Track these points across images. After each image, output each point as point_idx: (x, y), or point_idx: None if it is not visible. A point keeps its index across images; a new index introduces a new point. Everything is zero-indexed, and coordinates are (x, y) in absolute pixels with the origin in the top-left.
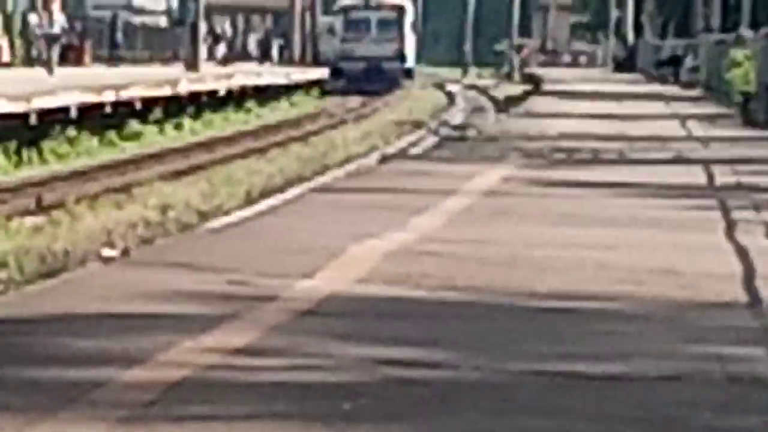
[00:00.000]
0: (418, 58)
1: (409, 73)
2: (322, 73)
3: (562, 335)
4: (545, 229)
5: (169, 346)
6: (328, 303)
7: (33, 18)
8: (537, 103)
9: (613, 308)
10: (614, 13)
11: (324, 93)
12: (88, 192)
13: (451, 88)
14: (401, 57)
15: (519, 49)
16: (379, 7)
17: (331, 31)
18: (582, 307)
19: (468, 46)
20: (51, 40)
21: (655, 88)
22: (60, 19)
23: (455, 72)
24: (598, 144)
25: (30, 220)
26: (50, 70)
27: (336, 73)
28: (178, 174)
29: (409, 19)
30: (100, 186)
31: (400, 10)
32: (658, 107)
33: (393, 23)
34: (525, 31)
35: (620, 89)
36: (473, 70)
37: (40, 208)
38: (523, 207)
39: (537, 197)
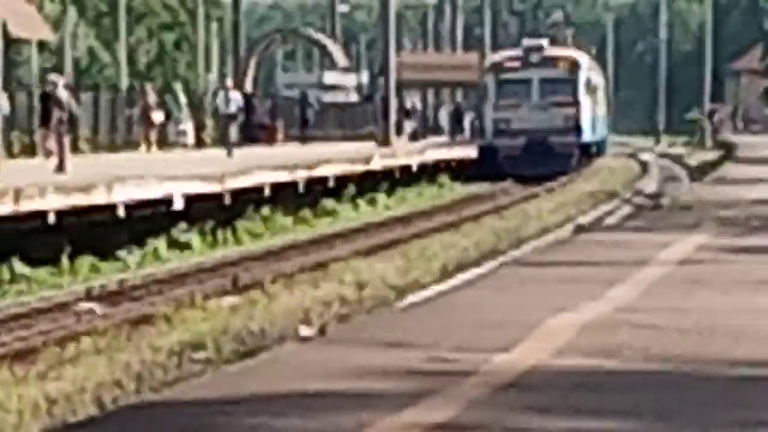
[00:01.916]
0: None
1: (586, 150)
2: None
3: (761, 404)
4: (742, 297)
5: (370, 424)
6: (527, 376)
7: (218, 98)
8: (730, 170)
9: None
10: None
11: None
12: (283, 271)
13: (644, 156)
14: (576, 129)
15: (711, 115)
16: (543, 63)
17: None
18: None
19: (660, 115)
20: (228, 119)
21: None
22: (236, 98)
23: (648, 141)
24: None
25: (227, 300)
26: (229, 152)
27: (487, 152)
28: (373, 250)
29: (584, 76)
30: (296, 264)
31: (573, 66)
32: None
33: (563, 84)
34: (717, 97)
35: None
36: (665, 139)
37: (237, 288)
38: (720, 275)
39: (733, 265)
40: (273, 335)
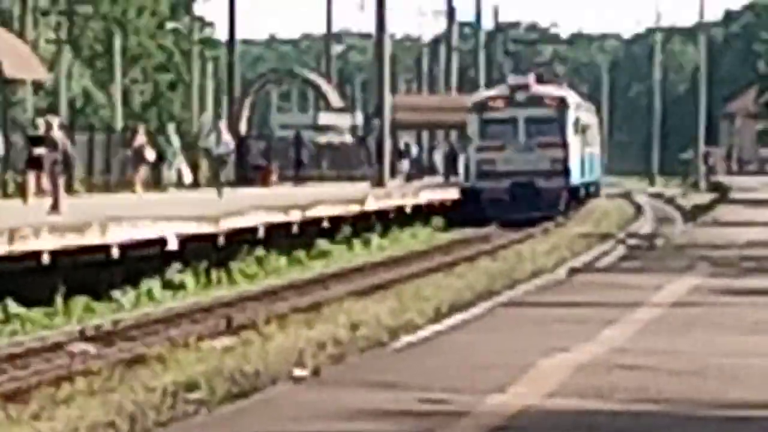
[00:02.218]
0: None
1: (575, 193)
2: None
3: None
4: (736, 338)
5: None
6: (520, 418)
7: (209, 139)
8: (724, 211)
9: None
10: None
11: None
12: (277, 311)
13: (638, 198)
14: (564, 171)
15: (706, 157)
16: (529, 102)
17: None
18: None
19: (655, 156)
20: (219, 160)
21: None
22: (226, 140)
23: (642, 183)
24: None
25: (220, 341)
26: (219, 192)
27: (470, 195)
28: (368, 291)
29: (572, 116)
30: (290, 305)
31: (560, 104)
32: None
33: (550, 124)
34: (711, 139)
35: None
36: (660, 180)
37: (231, 329)
38: (713, 317)
39: (727, 306)
40: (267, 376)
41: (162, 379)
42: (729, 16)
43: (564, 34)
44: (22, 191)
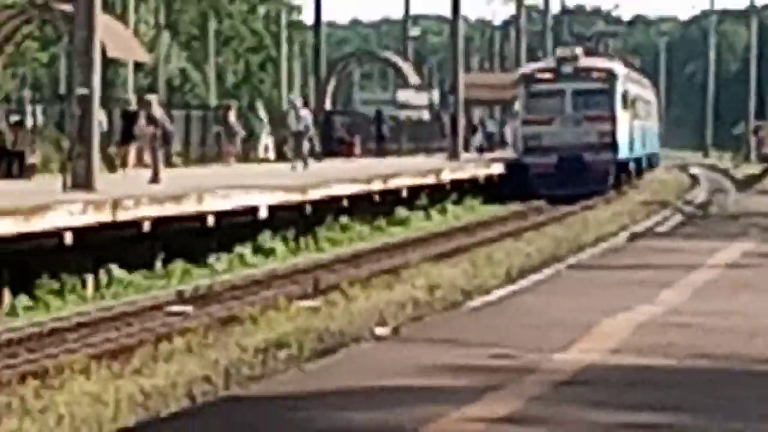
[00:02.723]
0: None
1: (624, 168)
2: None
3: None
4: None
5: (438, 417)
6: (584, 373)
7: (289, 116)
8: None
9: None
10: None
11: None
12: (360, 275)
13: (694, 170)
14: (612, 145)
15: (756, 131)
16: (577, 74)
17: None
18: None
19: (708, 131)
20: (298, 135)
21: None
22: (305, 116)
23: (697, 155)
24: None
25: (308, 303)
26: (299, 165)
27: (516, 170)
28: (443, 256)
29: (621, 88)
30: (372, 269)
31: (609, 76)
32: None
33: (598, 96)
34: (761, 114)
35: None
36: (713, 153)
37: (317, 291)
38: (763, 280)
39: None
40: (351, 335)
41: (254, 338)
42: None
43: (625, 17)
44: (122, 163)
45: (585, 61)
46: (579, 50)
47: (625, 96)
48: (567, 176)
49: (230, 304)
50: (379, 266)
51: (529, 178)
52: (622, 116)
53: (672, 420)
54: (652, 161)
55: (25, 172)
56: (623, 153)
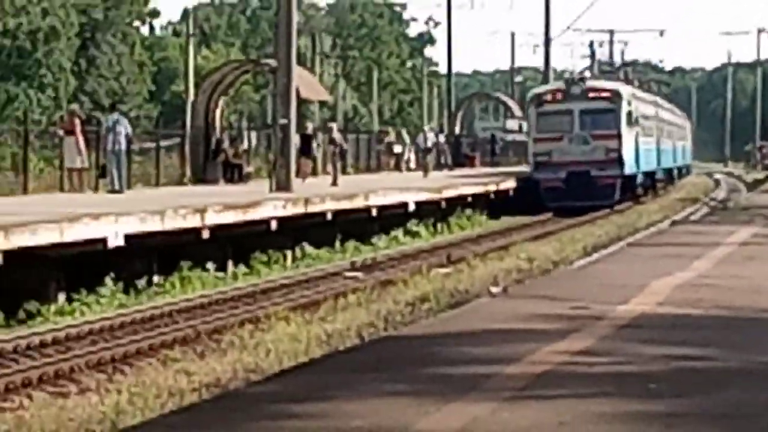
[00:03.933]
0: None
1: (631, 183)
2: None
3: None
4: None
5: (535, 350)
6: (638, 319)
7: (418, 138)
8: None
9: None
10: None
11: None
12: (480, 250)
13: (717, 176)
14: (618, 161)
15: (760, 148)
16: (584, 95)
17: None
18: None
19: (727, 148)
20: (424, 151)
21: None
22: (431, 137)
23: (719, 165)
24: None
25: (443, 270)
26: (425, 174)
27: (526, 185)
28: (538, 237)
29: (626, 108)
30: (488, 246)
31: (615, 97)
32: None
33: (604, 115)
34: (764, 136)
35: None
36: (731, 164)
37: (449, 262)
38: (766, 253)
39: None
40: (473, 293)
41: (405, 295)
42: None
43: (668, 68)
44: (298, 172)
45: (591, 83)
46: (586, 73)
47: (630, 115)
48: (575, 191)
49: (388, 271)
50: (494, 244)
51: (539, 193)
52: (628, 134)
53: (701, 353)
54: (682, 171)
55: (243, 178)
56: (630, 168)
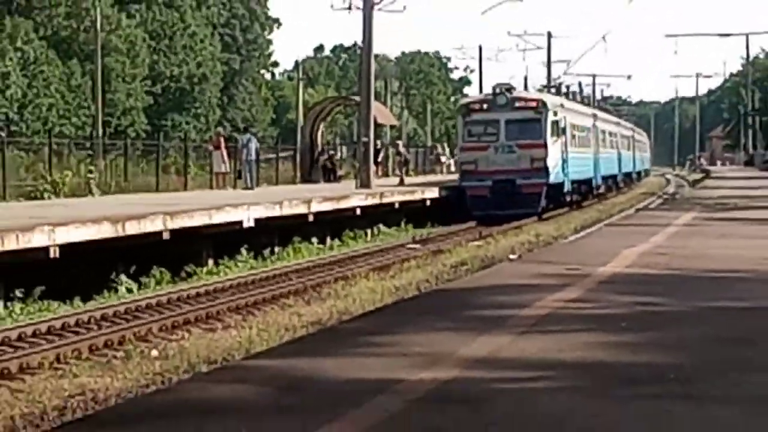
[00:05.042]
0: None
1: (557, 191)
2: None
3: (721, 289)
4: (713, 241)
5: (540, 299)
6: (613, 277)
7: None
8: (707, 182)
9: (745, 276)
10: (743, 139)
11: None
12: (502, 230)
13: (668, 176)
14: (544, 170)
15: (699, 157)
16: (510, 105)
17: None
18: (729, 276)
19: (675, 156)
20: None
21: (762, 174)
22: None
23: (670, 169)
24: (737, 200)
25: (476, 243)
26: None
27: (453, 194)
28: (544, 220)
29: (551, 118)
30: (506, 228)
31: (541, 107)
32: (763, 182)
33: (530, 125)
34: (702, 149)
35: (746, 175)
36: (677, 168)
37: (481, 237)
38: (702, 230)
39: (709, 226)
40: (497, 259)
41: (450, 260)
42: (710, 92)
43: (634, 101)
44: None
45: (517, 93)
46: (512, 84)
47: (555, 125)
48: (501, 199)
49: (438, 243)
50: (509, 226)
51: (465, 202)
52: (553, 143)
53: (657, 300)
54: (641, 174)
55: (337, 179)
56: (555, 177)
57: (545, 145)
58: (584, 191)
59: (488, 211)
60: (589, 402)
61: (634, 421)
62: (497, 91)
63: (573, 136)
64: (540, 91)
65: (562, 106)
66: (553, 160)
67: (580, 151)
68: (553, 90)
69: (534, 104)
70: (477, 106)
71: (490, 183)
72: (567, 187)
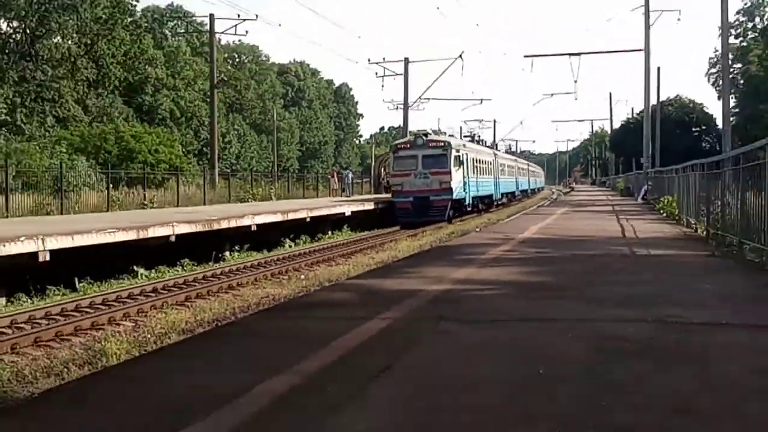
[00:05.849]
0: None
1: (459, 204)
2: None
3: (580, 245)
4: (575, 222)
5: (490, 250)
6: (526, 239)
7: None
8: (572, 194)
9: (591, 239)
10: (590, 171)
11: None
12: (429, 229)
13: (553, 189)
14: (448, 190)
15: (568, 181)
16: (425, 145)
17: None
18: (585, 238)
19: (556, 180)
20: None
21: (599, 189)
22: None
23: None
24: (590, 202)
25: (458, 221)
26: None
27: (388, 207)
28: (493, 211)
29: (453, 154)
30: (481, 221)
31: (446, 146)
32: (598, 194)
33: (438, 159)
34: (570, 175)
35: (591, 189)
36: (558, 186)
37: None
38: (570, 217)
39: (574, 216)
40: (467, 231)
41: (446, 231)
42: (574, 148)
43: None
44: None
45: (431, 137)
46: (428, 131)
47: (457, 159)
48: (419, 211)
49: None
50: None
51: (395, 213)
52: (456, 171)
53: (548, 250)
54: (536, 190)
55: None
56: (456, 194)
57: (450, 173)
58: (487, 203)
59: (410, 219)
60: (515, 300)
61: (535, 308)
62: (417, 134)
63: (475, 167)
64: (452, 135)
65: (463, 145)
66: (456, 183)
67: (481, 177)
68: (468, 137)
69: (442, 144)
70: (403, 145)
71: (411, 199)
72: (468, 201)
